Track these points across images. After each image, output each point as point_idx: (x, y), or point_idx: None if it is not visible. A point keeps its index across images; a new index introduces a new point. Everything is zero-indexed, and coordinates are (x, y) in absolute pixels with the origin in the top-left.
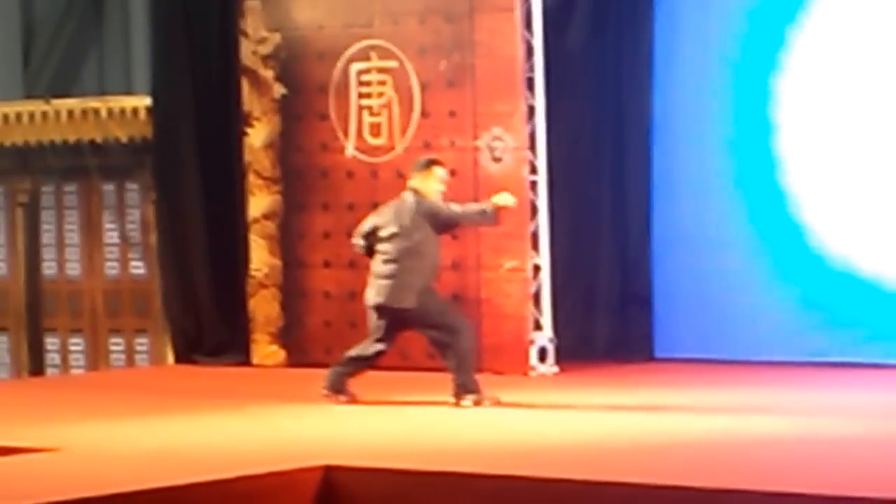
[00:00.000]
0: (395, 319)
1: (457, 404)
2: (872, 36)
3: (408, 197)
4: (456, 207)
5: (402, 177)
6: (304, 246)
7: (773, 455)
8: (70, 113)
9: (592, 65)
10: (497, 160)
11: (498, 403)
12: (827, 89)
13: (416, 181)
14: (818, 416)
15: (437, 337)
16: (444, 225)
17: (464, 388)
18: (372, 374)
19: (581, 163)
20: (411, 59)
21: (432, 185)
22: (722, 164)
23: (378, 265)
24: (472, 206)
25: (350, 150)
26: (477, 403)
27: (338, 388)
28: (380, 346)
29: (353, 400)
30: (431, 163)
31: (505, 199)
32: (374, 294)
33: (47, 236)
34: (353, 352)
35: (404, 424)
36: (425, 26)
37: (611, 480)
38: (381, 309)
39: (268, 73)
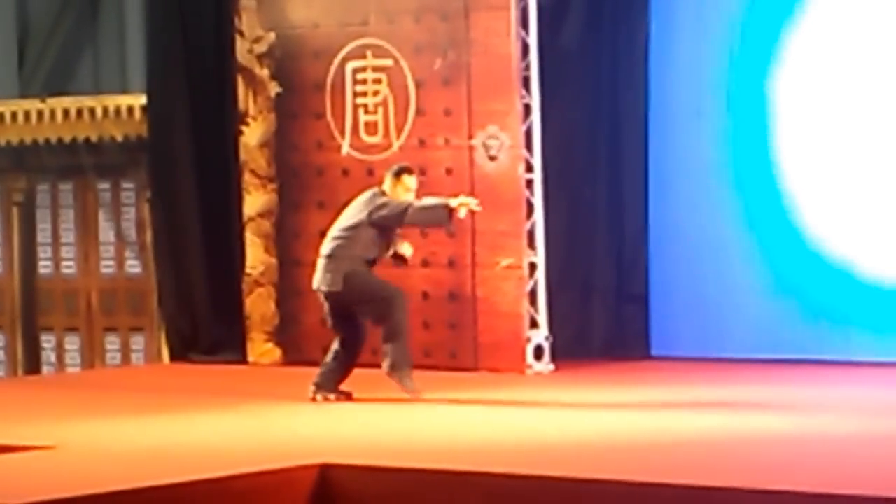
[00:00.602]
0: (333, 304)
1: (389, 376)
2: (870, 32)
3: (372, 190)
4: (412, 203)
5: None
6: (299, 244)
7: (769, 453)
8: (65, 111)
9: (588, 63)
10: (492, 158)
11: (418, 396)
12: (824, 87)
13: (386, 185)
14: (815, 414)
15: (375, 311)
16: (383, 221)
17: (395, 365)
18: (368, 372)
19: (577, 161)
20: (407, 57)
21: (400, 193)
22: (718, 162)
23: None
24: (428, 201)
25: (345, 148)
26: (400, 382)
27: (324, 388)
28: (336, 342)
29: (346, 397)
30: (401, 171)
31: (465, 203)
32: (314, 278)
33: (43, 235)
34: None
35: (400, 422)
36: (420, 25)
37: (607, 478)
38: (320, 294)
39: (263, 72)
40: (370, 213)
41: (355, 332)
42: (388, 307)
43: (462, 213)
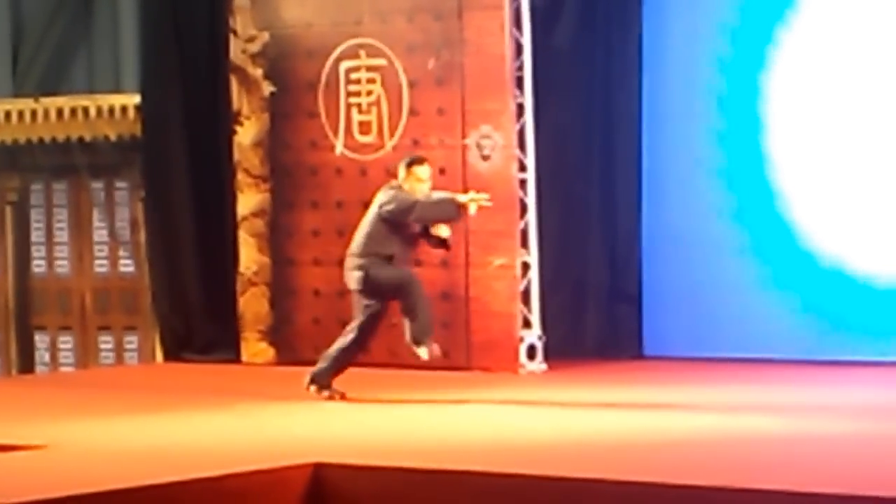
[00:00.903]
0: (358, 300)
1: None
2: (862, 33)
3: (388, 186)
4: (419, 198)
5: (391, 175)
6: (293, 244)
7: (762, 453)
8: (59, 111)
9: (581, 63)
10: (486, 158)
11: (434, 356)
12: (816, 86)
13: (399, 176)
14: (808, 414)
15: (394, 298)
16: (392, 216)
17: (414, 339)
18: (361, 372)
19: (570, 160)
20: (400, 57)
21: (414, 185)
22: (711, 162)
23: None
24: (438, 196)
25: (339, 148)
26: (417, 351)
27: (318, 381)
28: (344, 339)
29: (340, 397)
30: (413, 162)
31: (475, 199)
32: None
33: (37, 234)
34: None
35: (394, 422)
36: (414, 24)
37: (600, 478)
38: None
39: (257, 72)
40: (380, 209)
41: (372, 327)
42: (403, 292)
43: (472, 209)
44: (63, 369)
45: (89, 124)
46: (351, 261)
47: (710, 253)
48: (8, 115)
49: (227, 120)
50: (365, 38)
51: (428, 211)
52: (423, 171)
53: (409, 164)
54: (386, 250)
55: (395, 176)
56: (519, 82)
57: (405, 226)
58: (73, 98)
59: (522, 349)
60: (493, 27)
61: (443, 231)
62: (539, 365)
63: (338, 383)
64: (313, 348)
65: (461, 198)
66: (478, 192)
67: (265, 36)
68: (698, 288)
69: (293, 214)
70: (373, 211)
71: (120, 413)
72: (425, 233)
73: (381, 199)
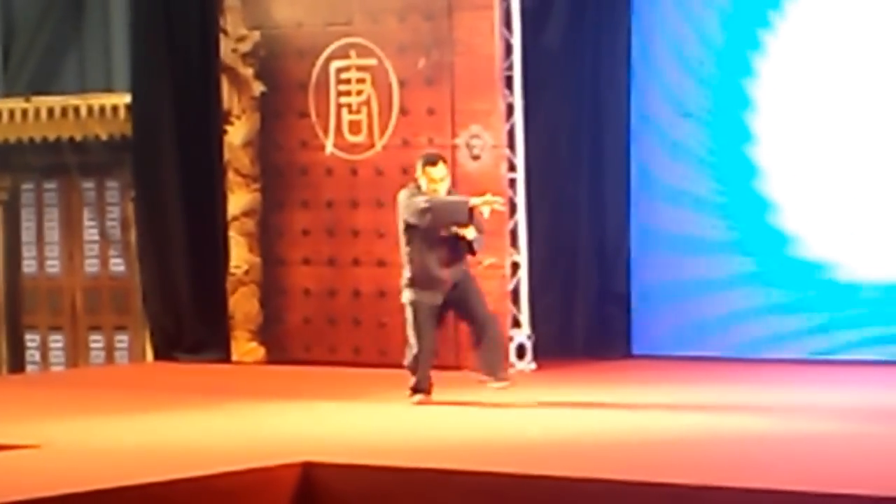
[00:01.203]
0: None
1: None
2: (854, 32)
3: (407, 187)
4: (431, 199)
5: (381, 174)
6: (283, 243)
7: (750, 452)
8: (50, 111)
9: (570, 63)
10: (475, 158)
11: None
12: (806, 87)
13: (417, 173)
14: (796, 413)
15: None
16: (409, 220)
17: (415, 388)
18: (351, 371)
19: (559, 161)
20: (390, 56)
21: (429, 185)
22: (700, 163)
23: None
24: (449, 198)
25: (329, 147)
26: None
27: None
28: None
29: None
30: (427, 162)
31: (488, 202)
32: None
33: (27, 234)
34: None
35: (383, 421)
36: (404, 24)
37: (589, 477)
38: None
39: (247, 71)
40: (400, 216)
41: (467, 322)
42: (414, 353)
43: (486, 212)
44: (53, 369)
45: (80, 124)
46: (406, 274)
47: (698, 253)
48: None
49: (217, 119)
50: (355, 37)
51: (440, 213)
52: (435, 171)
53: (424, 165)
54: (419, 257)
55: (385, 175)
56: (508, 82)
57: (429, 228)
58: (63, 98)
59: (512, 348)
60: (483, 27)
61: (468, 233)
62: (528, 364)
63: (328, 383)
64: (303, 347)
65: (474, 200)
66: (472, 193)
67: (256, 35)
68: (686, 288)
69: (283, 214)
70: (397, 220)
71: (111, 412)
72: (455, 235)
73: (400, 201)
